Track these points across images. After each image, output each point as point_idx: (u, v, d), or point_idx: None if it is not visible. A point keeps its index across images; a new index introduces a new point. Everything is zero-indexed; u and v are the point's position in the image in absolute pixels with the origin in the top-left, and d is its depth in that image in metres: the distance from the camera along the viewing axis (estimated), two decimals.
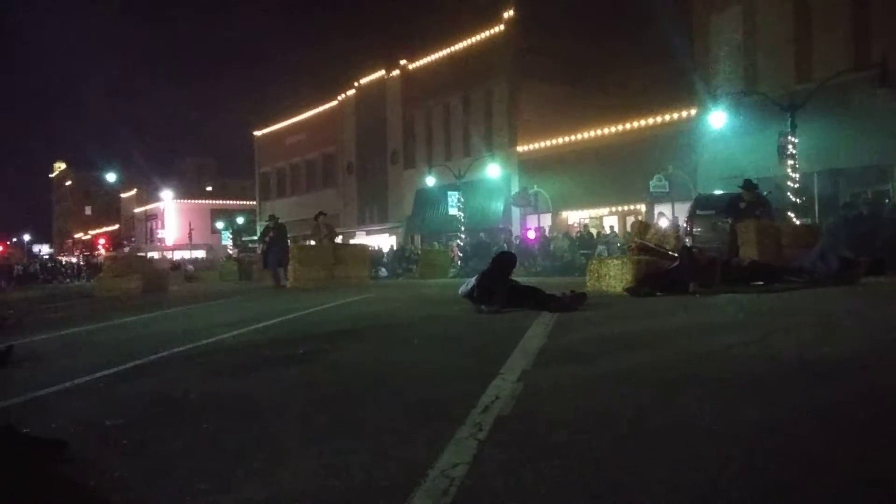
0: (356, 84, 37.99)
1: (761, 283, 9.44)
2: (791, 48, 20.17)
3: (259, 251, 24.28)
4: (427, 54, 33.01)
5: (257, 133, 48.34)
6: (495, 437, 2.63)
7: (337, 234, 20.84)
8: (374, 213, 37.53)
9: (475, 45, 30.43)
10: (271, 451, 2.68)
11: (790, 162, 17.70)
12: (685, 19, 22.53)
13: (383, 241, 34.66)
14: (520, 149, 28.45)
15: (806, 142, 17.79)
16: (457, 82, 30.95)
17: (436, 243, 28.99)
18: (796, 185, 17.78)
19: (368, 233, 37.32)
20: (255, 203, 50.11)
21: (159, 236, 58.20)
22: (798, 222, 16.11)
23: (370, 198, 37.74)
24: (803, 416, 2.65)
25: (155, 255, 45.94)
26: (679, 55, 21.26)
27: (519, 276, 8.21)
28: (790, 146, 17.66)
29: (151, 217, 60.70)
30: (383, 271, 24.87)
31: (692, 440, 2.42)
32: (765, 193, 14.93)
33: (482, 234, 26.94)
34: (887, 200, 17.99)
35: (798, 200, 17.68)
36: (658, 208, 22.48)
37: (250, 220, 49.68)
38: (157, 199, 59.40)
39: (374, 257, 23.56)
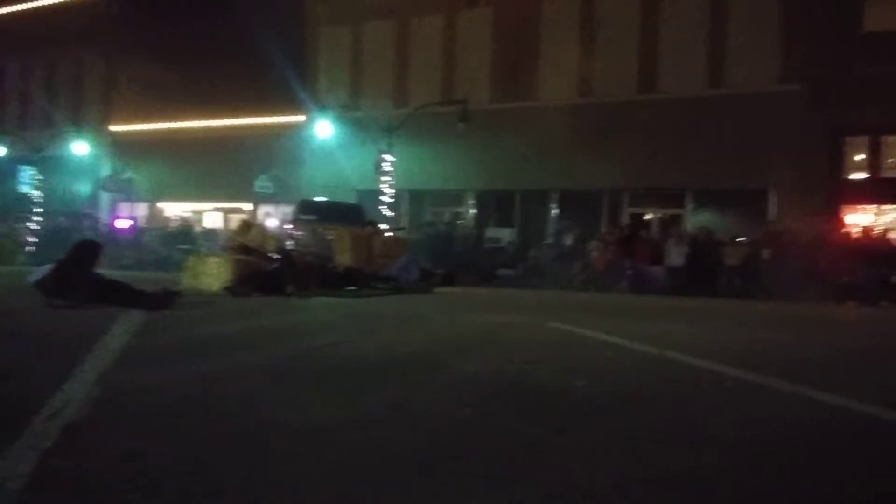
0: None
1: (354, 288, 10.07)
2: (391, 73, 22.06)
3: None
4: (9, 2, 28.28)
5: None
6: (63, 445, 2.29)
7: None
8: None
9: (69, 6, 27.01)
10: None
11: (385, 178, 19.34)
12: (298, 26, 23.10)
13: None
14: (114, 128, 26.06)
15: (400, 161, 19.60)
16: (43, 43, 27.04)
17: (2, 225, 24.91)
18: (390, 200, 19.48)
19: None
20: None
21: None
22: (389, 234, 17.63)
23: None
24: (384, 409, 2.84)
25: None
26: (288, 61, 21.58)
27: (105, 269, 7.46)
28: (386, 164, 19.31)
29: None
30: None
31: (282, 438, 2.41)
32: None
33: (62, 219, 23.92)
34: (461, 221, 20.80)
35: (391, 214, 19.38)
36: (263, 208, 22.61)
37: None
38: None
39: None
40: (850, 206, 17.70)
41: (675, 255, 16.09)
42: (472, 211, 21.38)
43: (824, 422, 2.86)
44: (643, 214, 19.93)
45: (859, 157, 17.90)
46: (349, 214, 17.28)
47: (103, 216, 25.36)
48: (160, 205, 25.91)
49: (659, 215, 19.75)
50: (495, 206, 21.39)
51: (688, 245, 16.20)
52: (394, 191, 19.67)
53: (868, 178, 17.54)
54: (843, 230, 16.76)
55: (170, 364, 3.94)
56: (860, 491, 2.00)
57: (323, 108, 21.31)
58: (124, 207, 25.92)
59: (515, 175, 19.85)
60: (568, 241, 18.37)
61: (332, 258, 12.80)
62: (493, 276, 17.57)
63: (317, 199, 19.31)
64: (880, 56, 17.26)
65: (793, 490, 1.98)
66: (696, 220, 18.39)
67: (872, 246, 14.98)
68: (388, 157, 19.39)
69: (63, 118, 26.70)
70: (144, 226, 23.84)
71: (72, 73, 27.44)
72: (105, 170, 26.03)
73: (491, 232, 20.38)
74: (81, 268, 7.05)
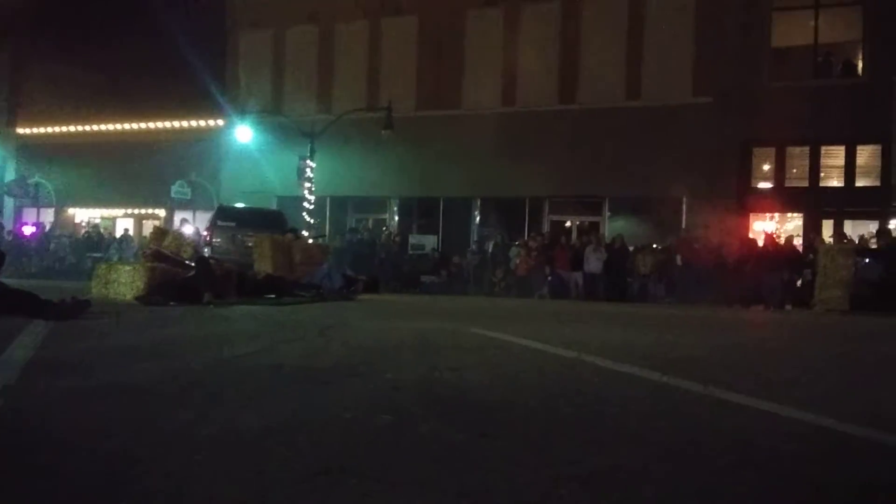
0: None
1: (274, 296, 9.89)
2: (314, 79, 21.85)
3: None
4: None
5: None
6: None
7: None
8: None
9: None
10: None
11: (307, 184, 19.12)
12: (219, 29, 22.60)
13: None
14: (21, 130, 24.87)
15: (322, 167, 19.42)
16: None
17: None
18: (311, 207, 19.26)
19: None
20: None
21: None
22: (311, 241, 17.42)
23: None
24: (303, 417, 2.79)
25: None
26: (208, 64, 21.09)
27: (9, 279, 7.09)
28: (308, 170, 19.10)
29: None
30: None
31: (197, 449, 2.34)
32: None
33: None
34: (384, 228, 20.75)
35: (312, 220, 19.17)
36: (179, 214, 21.97)
37: None
38: None
39: None
40: (758, 214, 18.56)
41: (594, 262, 16.51)
42: (396, 218, 21.36)
43: (738, 422, 2.96)
44: (563, 222, 20.36)
45: (766, 166, 18.79)
46: (269, 221, 16.99)
47: (7, 222, 24.16)
48: (70, 210, 24.85)
49: (578, 222, 20.21)
50: (418, 212, 21.43)
51: (605, 251, 16.64)
52: (315, 197, 19.47)
53: (774, 186, 18.43)
54: (751, 237, 17.54)
55: (77, 376, 3.77)
56: (779, 487, 2.07)
57: (243, 112, 20.90)
58: (30, 213, 24.74)
59: (439, 182, 19.95)
60: (490, 247, 18.58)
61: (251, 265, 12.55)
62: (417, 282, 17.62)
63: (236, 205, 18.91)
64: (786, 70, 18.23)
65: (711, 487, 2.04)
66: (613, 227, 18.91)
67: (778, 252, 15.73)
68: (310, 162, 19.17)
69: None
70: (52, 232, 22.81)
71: None
72: (10, 174, 24.81)
73: (414, 239, 20.41)
74: None
